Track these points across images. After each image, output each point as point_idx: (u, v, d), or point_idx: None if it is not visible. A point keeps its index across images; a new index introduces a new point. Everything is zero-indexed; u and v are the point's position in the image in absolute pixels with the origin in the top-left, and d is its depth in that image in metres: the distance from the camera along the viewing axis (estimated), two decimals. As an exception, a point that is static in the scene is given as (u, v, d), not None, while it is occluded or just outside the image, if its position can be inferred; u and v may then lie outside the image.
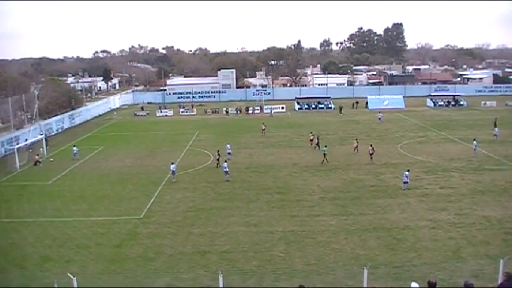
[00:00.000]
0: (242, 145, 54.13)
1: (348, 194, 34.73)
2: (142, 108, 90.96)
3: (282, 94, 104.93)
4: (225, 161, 40.69)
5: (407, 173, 35.55)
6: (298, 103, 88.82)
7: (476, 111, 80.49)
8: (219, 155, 44.22)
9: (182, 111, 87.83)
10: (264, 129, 60.82)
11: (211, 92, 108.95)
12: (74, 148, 51.17)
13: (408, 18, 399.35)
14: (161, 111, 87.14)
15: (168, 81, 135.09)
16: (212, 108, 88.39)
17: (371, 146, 46.38)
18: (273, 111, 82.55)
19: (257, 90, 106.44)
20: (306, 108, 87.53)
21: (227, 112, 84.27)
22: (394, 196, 33.94)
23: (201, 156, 49.44)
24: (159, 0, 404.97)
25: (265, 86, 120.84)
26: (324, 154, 44.86)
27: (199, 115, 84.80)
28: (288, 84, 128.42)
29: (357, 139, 51.34)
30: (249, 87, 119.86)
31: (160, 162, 46.53)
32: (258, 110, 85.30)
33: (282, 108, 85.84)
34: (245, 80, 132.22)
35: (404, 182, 35.38)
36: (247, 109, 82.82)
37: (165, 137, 62.30)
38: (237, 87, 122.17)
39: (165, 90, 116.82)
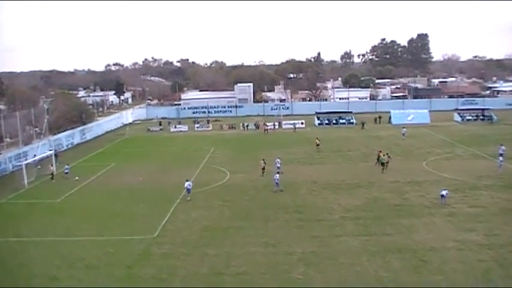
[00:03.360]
0: (259, 162, 53.84)
1: (371, 213, 34.52)
2: (160, 124, 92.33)
3: (301, 109, 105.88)
4: (277, 173, 42.19)
5: (445, 192, 36.19)
6: (318, 118, 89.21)
7: (508, 126, 79.20)
8: (265, 163, 46.90)
9: (197, 127, 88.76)
10: (318, 145, 61.78)
11: (228, 107, 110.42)
12: (66, 166, 51.31)
13: (434, 28, 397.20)
14: (175, 127, 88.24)
15: (183, 96, 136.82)
16: (229, 123, 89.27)
17: (387, 154, 47.56)
18: (296, 126, 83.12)
19: (275, 105, 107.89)
20: (326, 124, 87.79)
21: (246, 127, 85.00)
22: (419, 216, 33.62)
23: (217, 173, 49.56)
24: (174, 12, 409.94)
25: (284, 100, 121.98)
26: (383, 163, 46.93)
27: (215, 131, 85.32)
28: (308, 99, 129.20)
29: (380, 151, 51.05)
30: (266, 101, 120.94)
31: (174, 179, 46.67)
32: (276, 125, 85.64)
33: (302, 123, 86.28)
34: (263, 94, 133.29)
35: (442, 195, 35.94)
36: (265, 125, 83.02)
37: (179, 154, 62.79)
38: (255, 102, 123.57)
39: (180, 104, 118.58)
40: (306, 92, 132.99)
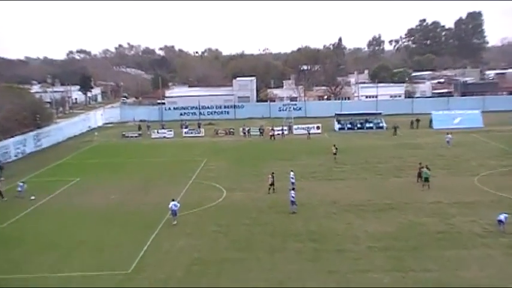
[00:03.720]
0: (265, 177, 53.96)
1: (406, 243, 34.12)
2: (139, 128, 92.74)
3: (317, 110, 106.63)
4: (293, 189, 42.80)
5: (504, 216, 35.77)
6: (338, 121, 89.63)
7: None
8: (273, 177, 47.47)
9: (186, 132, 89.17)
10: (335, 153, 62.56)
11: (224, 107, 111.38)
12: (20, 184, 50.37)
13: (489, 5, 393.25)
14: (158, 132, 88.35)
15: (168, 92, 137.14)
16: (225, 128, 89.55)
17: (426, 167, 47.96)
18: (310, 131, 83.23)
19: (284, 105, 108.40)
20: (349, 128, 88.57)
21: (248, 133, 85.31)
22: (469, 247, 33.11)
23: (210, 191, 49.70)
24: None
25: (295, 98, 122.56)
26: (427, 179, 47.08)
27: (209, 137, 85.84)
28: (325, 97, 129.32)
29: (423, 165, 50.65)
30: (273, 100, 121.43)
31: (156, 198, 46.58)
32: (286, 130, 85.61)
33: (318, 128, 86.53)
34: (268, 91, 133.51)
35: (499, 221, 35.46)
36: (272, 130, 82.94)
37: (162, 166, 63.20)
38: (258, 101, 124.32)
39: (164, 103, 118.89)
40: (323, 88, 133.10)
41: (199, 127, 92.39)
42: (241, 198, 46.56)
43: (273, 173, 49.19)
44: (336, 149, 62.93)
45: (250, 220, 39.98)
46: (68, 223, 40.99)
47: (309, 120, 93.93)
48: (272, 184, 47.77)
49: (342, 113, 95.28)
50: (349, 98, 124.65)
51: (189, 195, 47.97)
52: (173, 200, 40.25)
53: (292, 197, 41.54)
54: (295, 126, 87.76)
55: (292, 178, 48.79)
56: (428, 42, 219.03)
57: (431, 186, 47.21)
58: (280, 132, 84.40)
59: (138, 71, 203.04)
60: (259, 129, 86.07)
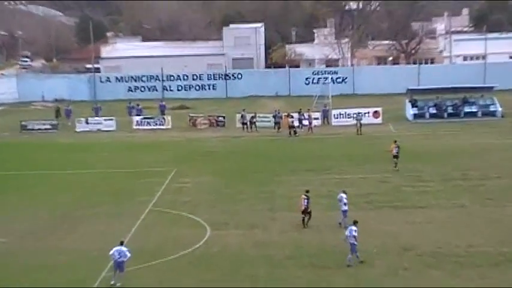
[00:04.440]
0: (282, 202, 39.94)
1: None
2: (57, 114, 70.09)
3: (375, 82, 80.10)
4: (354, 222, 30.04)
5: None
6: (414, 104, 65.91)
7: None
8: (308, 199, 33.71)
9: (139, 122, 67.04)
10: (396, 156, 46.77)
11: (209, 78, 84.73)
12: None
13: None
14: (87, 122, 66.84)
15: (106, 51, 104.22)
16: (210, 115, 68.23)
17: None
18: (362, 120, 61.11)
19: (316, 73, 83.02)
20: (433, 116, 64.36)
21: (250, 124, 63.68)
22: None
23: (182, 227, 36.55)
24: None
25: (335, 62, 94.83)
26: None
27: (180, 131, 65.39)
28: (390, 59, 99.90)
29: None
30: (297, 65, 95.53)
31: (85, 241, 33.78)
32: (316, 118, 63.76)
33: (375, 114, 64.48)
34: (288, 48, 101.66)
35: None
36: (289, 117, 60.47)
37: (97, 183, 47.09)
38: (268, 66, 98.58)
39: (98, 70, 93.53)
40: (387, 43, 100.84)
41: (162, 113, 68.57)
42: (238, 242, 33.12)
43: (307, 191, 34.87)
44: (398, 147, 45.30)
45: (254, 280, 27.80)
46: None
47: (360, 101, 73.10)
48: (306, 212, 34.15)
49: (421, 88, 71.09)
50: (433, 61, 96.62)
51: (143, 236, 34.34)
52: (121, 244, 27.75)
53: (354, 237, 29.07)
54: (334, 112, 64.59)
55: (344, 205, 34.74)
56: None
57: None
58: (307, 122, 61.31)
59: (51, 11, 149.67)
60: (274, 116, 62.26)
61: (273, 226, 35.14)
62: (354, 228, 29.23)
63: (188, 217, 37.73)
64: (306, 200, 33.46)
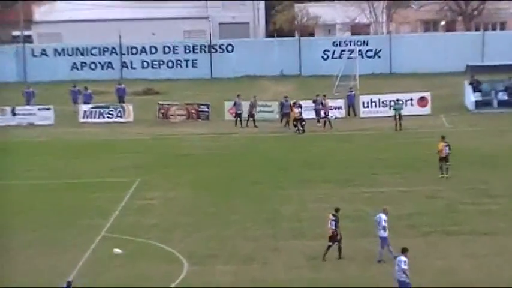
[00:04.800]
0: (289, 226, 34.08)
1: None
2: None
3: (420, 57, 67.09)
4: (403, 250, 24.99)
5: None
6: (476, 87, 55.75)
7: None
8: (337, 221, 29.85)
9: (87, 113, 56.77)
10: (445, 158, 39.54)
11: (186, 51, 72.07)
12: None
13: None
14: (14, 113, 56.14)
15: (39, 13, 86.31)
16: (188, 104, 58.24)
17: None
18: (402, 110, 50.99)
19: (336, 44, 69.08)
20: (502, 104, 54.27)
21: (248, 116, 52.83)
22: None
23: (150, 260, 30.87)
24: None
25: (365, 28, 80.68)
26: None
27: (146, 125, 56.55)
28: (442, 23, 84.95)
29: None
30: (311, 33, 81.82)
31: (11, 282, 28.00)
32: (339, 107, 53.83)
33: (421, 102, 54.62)
34: (296, 7, 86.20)
35: None
36: (297, 106, 50.38)
37: (27, 200, 39.60)
38: (270, 34, 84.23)
39: (30, 39, 78.88)
40: (439, 2, 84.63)
41: (121, 100, 58.22)
42: (227, 282, 27.56)
43: (336, 210, 29.54)
44: (448, 146, 38.00)
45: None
46: None
47: (400, 83, 61.92)
48: (336, 238, 29.42)
49: (486, 64, 59.74)
50: (504, 26, 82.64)
51: (93, 274, 28.77)
52: (68, 285, 21.75)
53: (403, 271, 24.32)
54: (363, 99, 53.92)
55: (383, 230, 29.43)
56: None
57: None
58: (323, 113, 50.97)
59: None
60: (282, 106, 51.79)
61: (277, 260, 29.80)
62: (403, 259, 24.86)
63: (157, 247, 31.87)
64: (333, 222, 28.74)
